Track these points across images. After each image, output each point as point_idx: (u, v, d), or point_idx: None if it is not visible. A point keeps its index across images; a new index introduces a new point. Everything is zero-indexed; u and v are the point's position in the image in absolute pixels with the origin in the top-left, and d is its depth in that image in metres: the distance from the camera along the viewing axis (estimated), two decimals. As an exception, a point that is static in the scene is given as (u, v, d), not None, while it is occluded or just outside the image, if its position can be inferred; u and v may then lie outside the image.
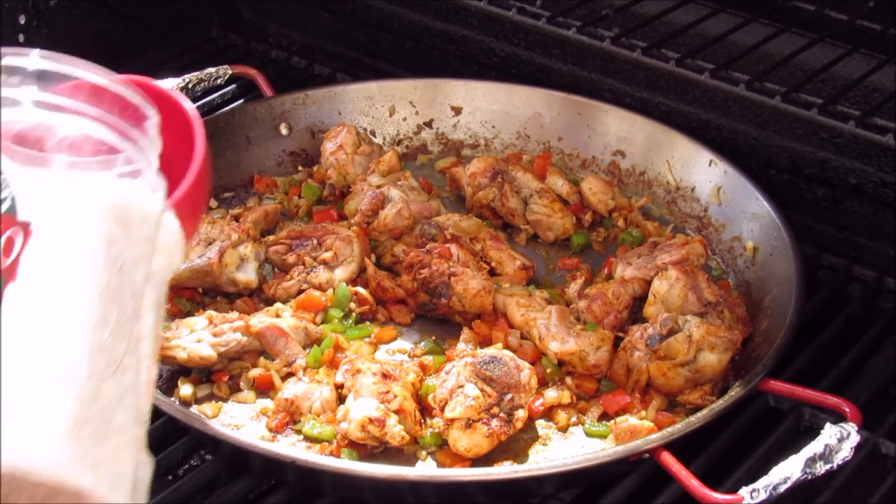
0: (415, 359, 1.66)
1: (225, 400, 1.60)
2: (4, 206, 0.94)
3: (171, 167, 1.13)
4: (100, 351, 0.96)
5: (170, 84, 1.94)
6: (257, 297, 1.77)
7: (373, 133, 2.12)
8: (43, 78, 1.00)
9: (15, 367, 0.92)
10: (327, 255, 1.77)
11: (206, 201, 1.33)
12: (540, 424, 1.58)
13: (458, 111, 2.14)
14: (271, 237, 1.85)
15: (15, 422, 0.92)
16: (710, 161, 1.94)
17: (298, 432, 1.54)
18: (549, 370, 1.63)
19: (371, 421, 1.47)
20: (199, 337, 1.60)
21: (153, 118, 1.05)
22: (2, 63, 1.00)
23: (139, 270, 1.02)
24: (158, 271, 1.06)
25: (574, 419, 1.59)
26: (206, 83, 2.07)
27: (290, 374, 1.61)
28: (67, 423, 0.94)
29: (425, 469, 1.50)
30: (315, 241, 1.80)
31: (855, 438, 1.40)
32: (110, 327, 0.97)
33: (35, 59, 1.01)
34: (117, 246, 0.98)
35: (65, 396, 0.94)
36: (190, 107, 1.27)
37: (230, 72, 2.10)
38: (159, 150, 1.06)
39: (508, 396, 1.50)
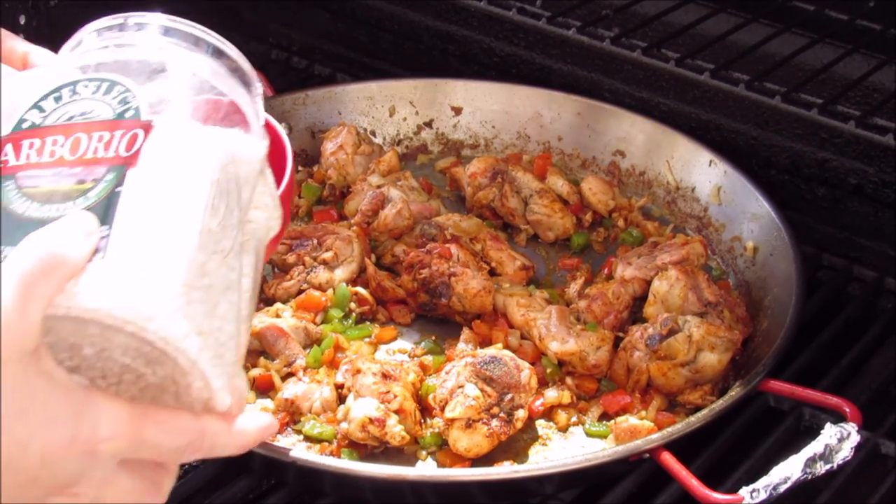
0: (415, 359, 1.66)
1: (225, 400, 1.59)
2: (129, 114, 1.03)
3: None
4: (209, 234, 1.02)
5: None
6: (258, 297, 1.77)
7: (373, 133, 2.12)
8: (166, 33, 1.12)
9: (130, 226, 0.98)
10: (327, 255, 1.77)
11: (289, 209, 1.39)
12: (540, 424, 1.58)
13: (458, 111, 2.14)
14: (271, 237, 1.85)
15: (127, 271, 0.96)
16: (710, 161, 1.94)
17: (298, 432, 1.54)
18: (549, 370, 1.63)
19: (371, 421, 1.47)
20: (199, 337, 1.60)
21: (259, 87, 1.14)
22: (128, 19, 1.12)
23: (244, 190, 1.09)
24: (257, 225, 1.12)
25: (574, 419, 1.59)
26: (207, 83, 2.07)
27: (290, 374, 1.61)
28: (179, 281, 0.98)
29: (425, 469, 1.50)
30: (315, 241, 1.80)
31: (855, 438, 1.40)
32: (219, 219, 1.03)
33: (159, 16, 1.14)
34: (228, 153, 1.06)
35: (177, 258, 0.98)
36: (273, 121, 1.34)
37: (230, 72, 2.10)
38: (263, 118, 1.15)
39: (508, 396, 1.50)
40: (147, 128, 1.03)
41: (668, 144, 2.01)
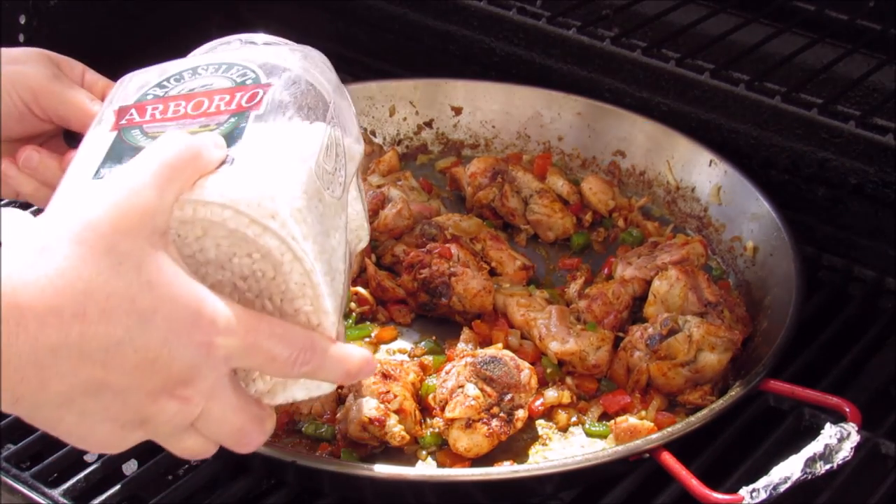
0: (415, 359, 1.66)
1: (225, 400, 1.60)
2: (249, 81, 1.14)
3: None
4: (323, 171, 1.12)
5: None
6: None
7: (373, 133, 2.12)
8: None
9: (255, 148, 1.07)
10: (327, 255, 1.77)
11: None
12: (540, 424, 1.58)
13: (458, 111, 2.14)
14: (271, 237, 1.85)
15: (253, 175, 1.04)
16: (710, 161, 1.94)
17: (298, 432, 1.54)
18: (549, 370, 1.63)
19: (371, 421, 1.47)
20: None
21: (350, 103, 1.30)
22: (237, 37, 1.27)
23: (350, 166, 1.21)
24: (352, 224, 1.24)
25: (574, 419, 1.59)
26: (207, 83, 2.07)
27: (290, 374, 1.61)
28: (299, 189, 1.06)
29: (425, 469, 1.50)
30: (315, 241, 1.80)
31: (855, 438, 1.40)
32: (331, 163, 1.14)
33: (262, 36, 1.28)
34: (335, 127, 1.18)
35: (298, 174, 1.07)
36: None
37: (230, 72, 2.11)
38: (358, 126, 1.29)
39: (508, 396, 1.50)
40: (267, 87, 1.13)
41: (668, 144, 2.01)
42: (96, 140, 1.12)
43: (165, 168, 0.99)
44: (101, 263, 0.93)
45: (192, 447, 1.04)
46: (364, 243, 1.36)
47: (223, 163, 1.04)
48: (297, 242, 1.04)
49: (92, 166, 1.08)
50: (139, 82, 1.18)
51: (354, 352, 1.09)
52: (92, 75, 1.36)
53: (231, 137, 1.07)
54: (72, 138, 1.34)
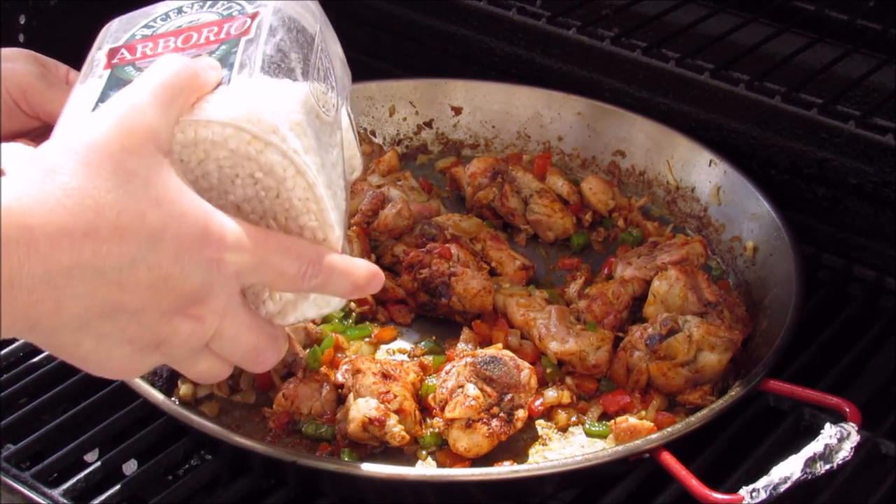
0: (415, 359, 1.66)
1: (225, 400, 1.60)
2: (235, 12, 1.15)
3: None
4: (316, 90, 1.14)
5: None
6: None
7: (373, 133, 2.12)
8: None
9: (249, 69, 1.09)
10: (327, 255, 1.77)
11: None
12: (540, 424, 1.58)
13: (458, 111, 2.14)
14: (271, 237, 1.85)
15: (250, 94, 1.06)
16: (710, 161, 1.94)
17: (298, 432, 1.54)
18: (549, 370, 1.63)
19: (371, 421, 1.47)
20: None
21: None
22: None
23: (341, 90, 1.24)
24: (346, 152, 1.24)
25: (574, 419, 1.59)
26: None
27: (290, 374, 1.61)
28: (297, 104, 1.08)
29: (425, 469, 1.50)
30: (315, 241, 1.80)
31: (855, 438, 1.40)
32: (322, 84, 1.16)
33: None
34: (324, 51, 1.21)
35: (293, 91, 1.10)
36: None
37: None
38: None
39: (508, 396, 1.50)
40: (254, 16, 1.14)
41: (668, 144, 2.01)
42: (90, 82, 1.13)
43: (165, 88, 1.00)
44: (109, 182, 0.93)
45: (207, 369, 1.04)
46: (358, 173, 1.36)
47: (219, 84, 1.06)
48: (299, 156, 1.05)
49: (90, 102, 1.08)
50: (125, 26, 1.19)
51: (361, 264, 1.10)
52: (76, 75, 1.37)
53: (225, 61, 1.09)
54: None
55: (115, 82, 1.10)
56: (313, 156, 1.07)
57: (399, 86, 2.14)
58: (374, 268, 1.11)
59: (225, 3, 1.17)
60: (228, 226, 0.99)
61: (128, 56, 1.13)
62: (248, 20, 1.14)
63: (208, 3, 1.18)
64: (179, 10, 1.18)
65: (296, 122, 1.06)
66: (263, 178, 1.06)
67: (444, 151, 2.14)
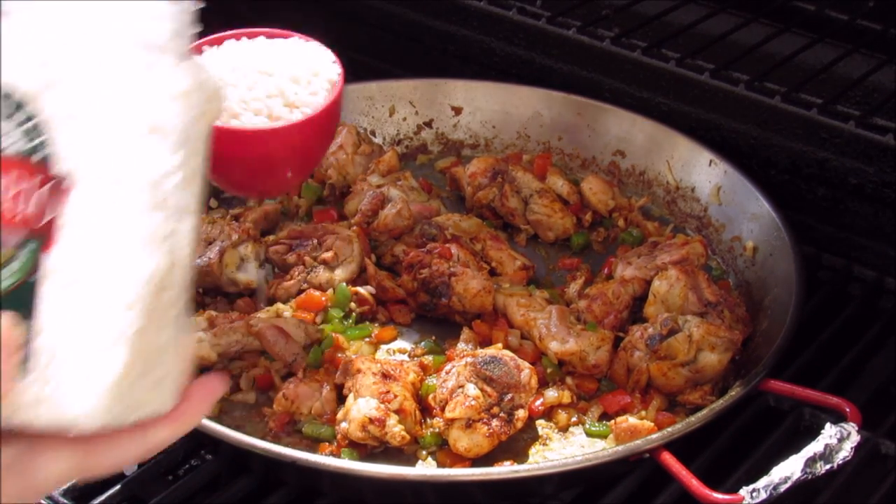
0: (415, 359, 1.66)
1: (225, 400, 1.60)
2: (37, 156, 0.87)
3: None
4: (154, 306, 0.90)
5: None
6: (257, 296, 1.77)
7: (373, 133, 2.12)
8: None
9: (52, 329, 0.88)
10: (327, 255, 1.77)
11: (332, 136, 1.62)
12: (540, 424, 1.58)
13: (458, 111, 2.14)
14: (271, 237, 1.85)
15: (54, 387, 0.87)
16: (710, 161, 1.94)
17: (298, 432, 1.54)
18: (549, 370, 1.63)
19: (371, 421, 1.47)
20: (200, 337, 1.60)
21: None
22: None
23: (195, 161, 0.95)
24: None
25: (574, 419, 1.59)
26: (207, 83, 2.07)
27: (290, 374, 1.61)
28: (107, 397, 0.89)
29: (425, 469, 1.50)
30: (315, 241, 1.80)
31: (855, 438, 1.40)
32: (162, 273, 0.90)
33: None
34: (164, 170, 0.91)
35: (108, 368, 0.88)
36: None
37: (230, 72, 2.10)
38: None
39: (508, 396, 1.50)
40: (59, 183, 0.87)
41: (668, 144, 2.01)
42: None
43: None
44: None
45: None
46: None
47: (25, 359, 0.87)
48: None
49: None
50: None
51: (189, 409, 0.97)
52: None
53: (25, 297, 0.86)
54: None
55: None
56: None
57: (399, 86, 2.14)
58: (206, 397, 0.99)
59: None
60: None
61: None
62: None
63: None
64: None
65: (101, 409, 0.88)
66: None
67: (444, 151, 2.15)
